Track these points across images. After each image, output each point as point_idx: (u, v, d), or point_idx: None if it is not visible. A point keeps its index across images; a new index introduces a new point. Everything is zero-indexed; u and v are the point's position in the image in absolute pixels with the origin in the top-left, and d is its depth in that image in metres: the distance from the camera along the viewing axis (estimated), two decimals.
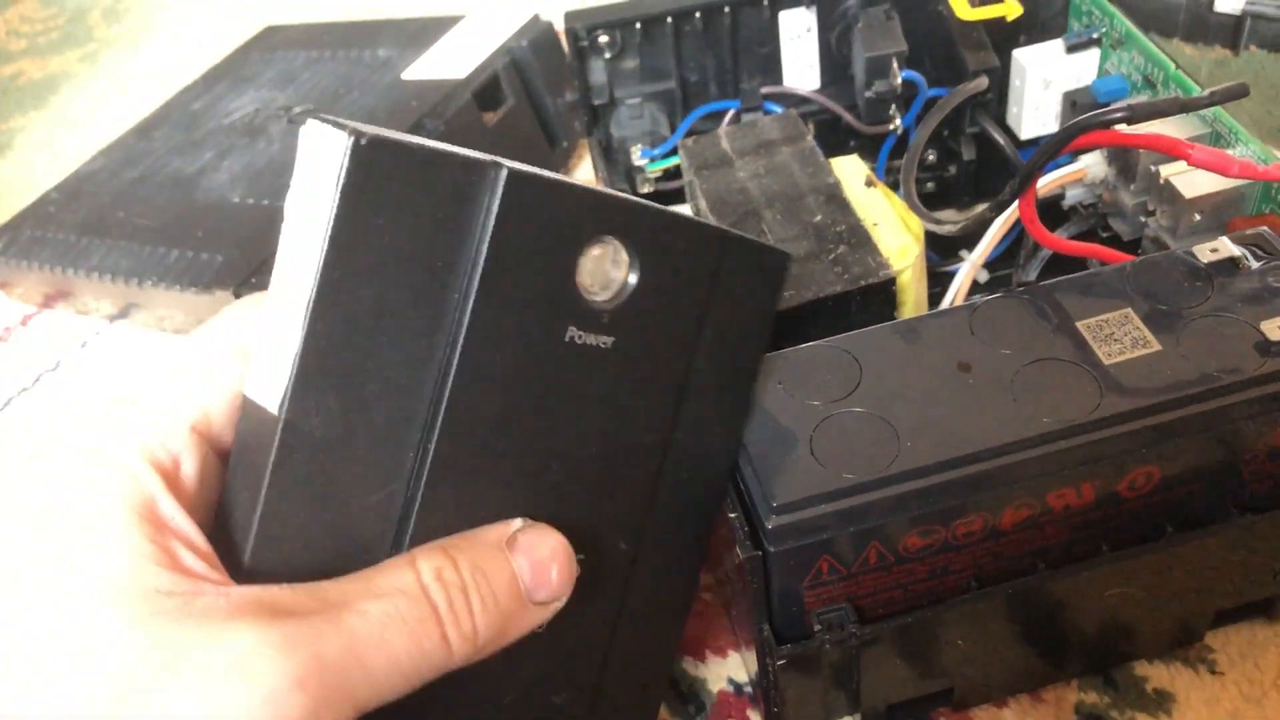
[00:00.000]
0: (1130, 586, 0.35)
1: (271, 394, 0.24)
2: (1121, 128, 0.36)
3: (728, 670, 0.41)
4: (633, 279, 0.27)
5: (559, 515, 0.28)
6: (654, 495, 0.31)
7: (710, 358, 0.30)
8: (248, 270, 0.51)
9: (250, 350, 0.25)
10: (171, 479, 0.25)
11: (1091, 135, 0.36)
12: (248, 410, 0.25)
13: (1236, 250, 0.36)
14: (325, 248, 0.22)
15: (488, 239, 0.24)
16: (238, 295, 0.51)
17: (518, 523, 0.27)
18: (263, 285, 0.50)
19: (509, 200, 0.24)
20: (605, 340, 0.27)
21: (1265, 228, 0.36)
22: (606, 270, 0.27)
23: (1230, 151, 0.40)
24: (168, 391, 0.26)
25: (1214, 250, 0.36)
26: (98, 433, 0.25)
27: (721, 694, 0.40)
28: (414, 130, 0.56)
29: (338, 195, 0.22)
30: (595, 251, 0.26)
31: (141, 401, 0.26)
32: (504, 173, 0.24)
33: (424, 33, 0.65)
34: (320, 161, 0.23)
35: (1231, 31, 0.62)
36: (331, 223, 0.22)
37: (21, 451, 0.26)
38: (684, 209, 0.46)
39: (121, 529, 0.23)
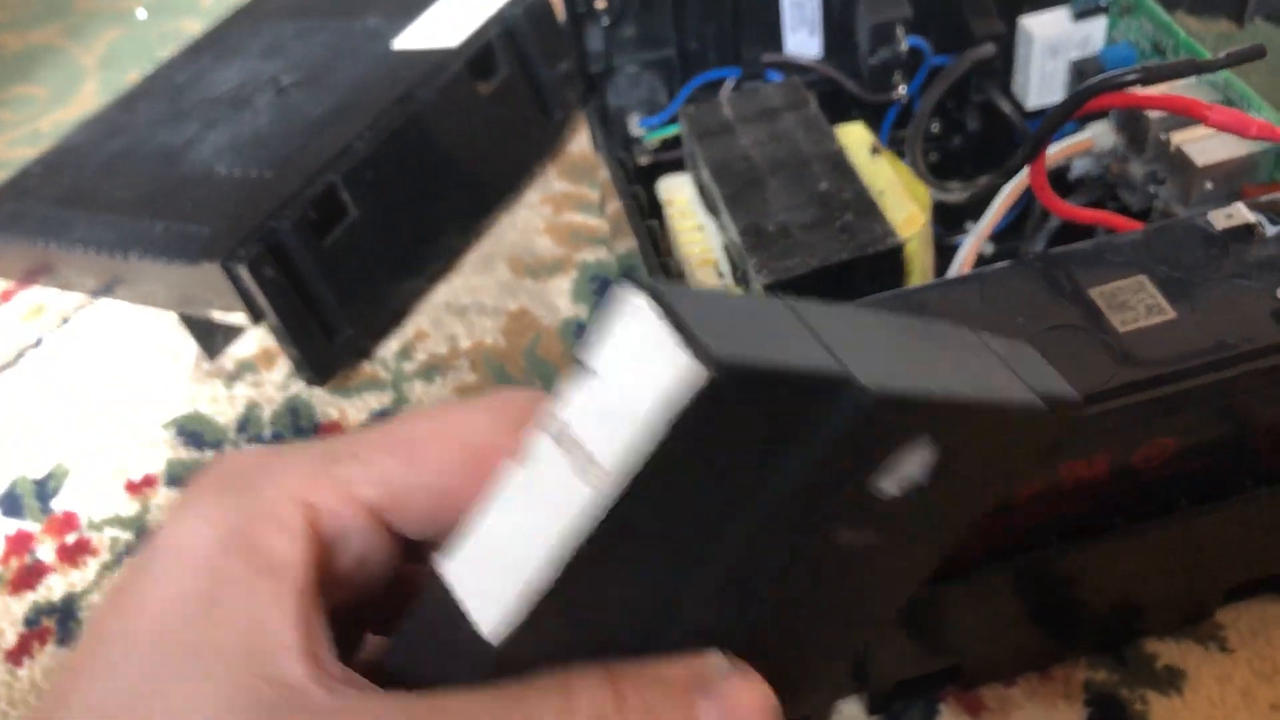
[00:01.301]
0: (1142, 562, 0.34)
1: (485, 611, 0.19)
2: (1137, 90, 0.35)
3: None
4: (926, 478, 0.22)
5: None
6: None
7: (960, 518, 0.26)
8: (235, 241, 0.50)
9: (483, 458, 0.21)
10: (327, 551, 0.21)
11: (1106, 97, 0.35)
12: (437, 594, 0.20)
13: (1252, 217, 0.35)
14: (623, 485, 0.18)
15: (812, 462, 0.19)
16: (226, 268, 0.49)
17: (718, 661, 0.21)
18: (252, 257, 0.49)
19: (859, 421, 0.19)
20: (871, 539, 0.23)
21: None
22: (906, 472, 0.22)
23: None
24: (364, 459, 0.22)
25: (1229, 216, 0.35)
26: (273, 477, 0.21)
27: None
28: (404, 101, 0.55)
29: (664, 432, 0.17)
30: (905, 453, 0.22)
31: (336, 459, 0.22)
32: (868, 398, 0.19)
33: (415, 1, 0.64)
34: (640, 358, 0.17)
35: (1237, 3, 0.62)
36: (644, 462, 0.17)
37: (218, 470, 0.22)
38: (684, 177, 0.45)
39: (267, 596, 0.20)
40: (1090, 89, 0.34)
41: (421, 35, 0.60)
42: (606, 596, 0.20)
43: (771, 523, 0.20)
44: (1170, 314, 0.33)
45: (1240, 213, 0.35)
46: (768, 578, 0.21)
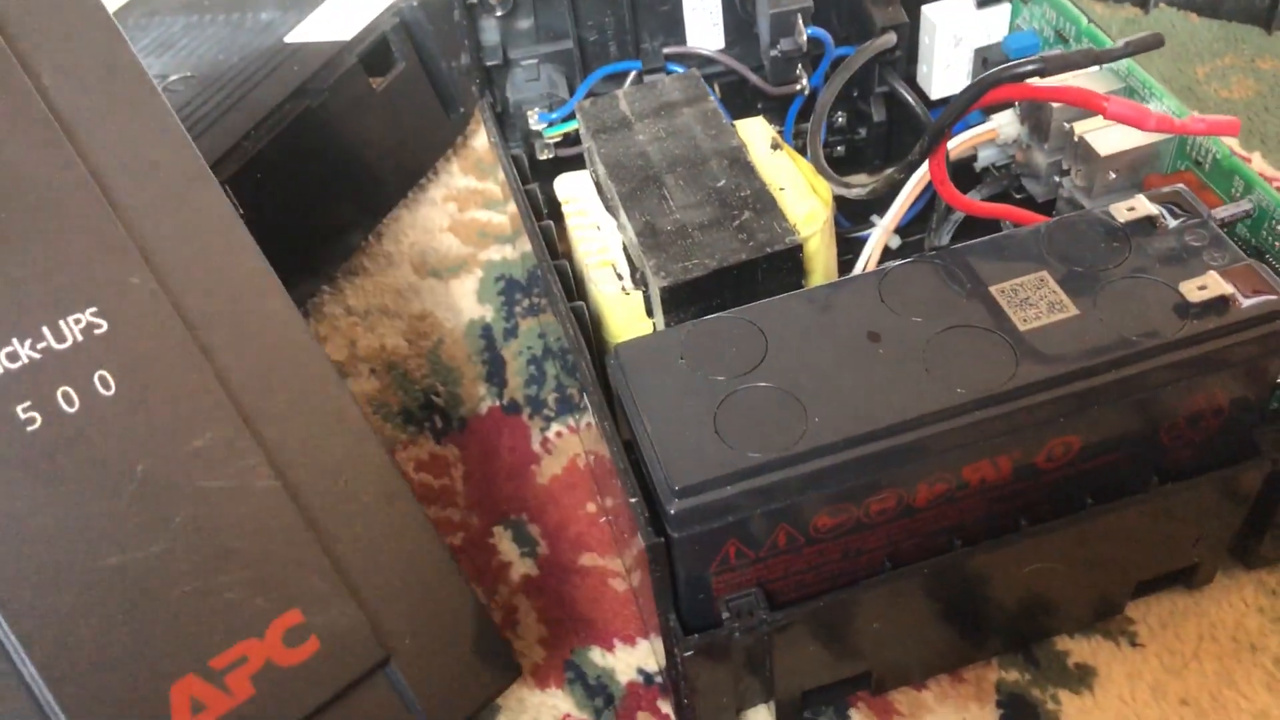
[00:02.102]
0: (1049, 561, 0.34)
1: None
2: (1035, 81, 0.34)
3: (637, 659, 0.39)
4: None
5: None
6: None
7: None
8: None
9: None
10: None
11: (1003, 89, 0.34)
12: None
13: (1154, 209, 0.34)
14: None
15: None
16: None
17: None
18: None
19: None
20: None
21: (1182, 185, 0.35)
22: None
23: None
24: None
25: (1131, 209, 0.34)
26: None
27: (631, 685, 0.38)
28: (295, 97, 0.52)
29: None
30: None
31: None
32: None
33: None
34: None
35: None
36: None
37: None
38: (583, 174, 0.43)
39: None
40: (986, 81, 0.33)
41: (314, 29, 0.58)
42: None
43: None
44: (1072, 310, 0.32)
45: (1142, 205, 0.34)
46: None
